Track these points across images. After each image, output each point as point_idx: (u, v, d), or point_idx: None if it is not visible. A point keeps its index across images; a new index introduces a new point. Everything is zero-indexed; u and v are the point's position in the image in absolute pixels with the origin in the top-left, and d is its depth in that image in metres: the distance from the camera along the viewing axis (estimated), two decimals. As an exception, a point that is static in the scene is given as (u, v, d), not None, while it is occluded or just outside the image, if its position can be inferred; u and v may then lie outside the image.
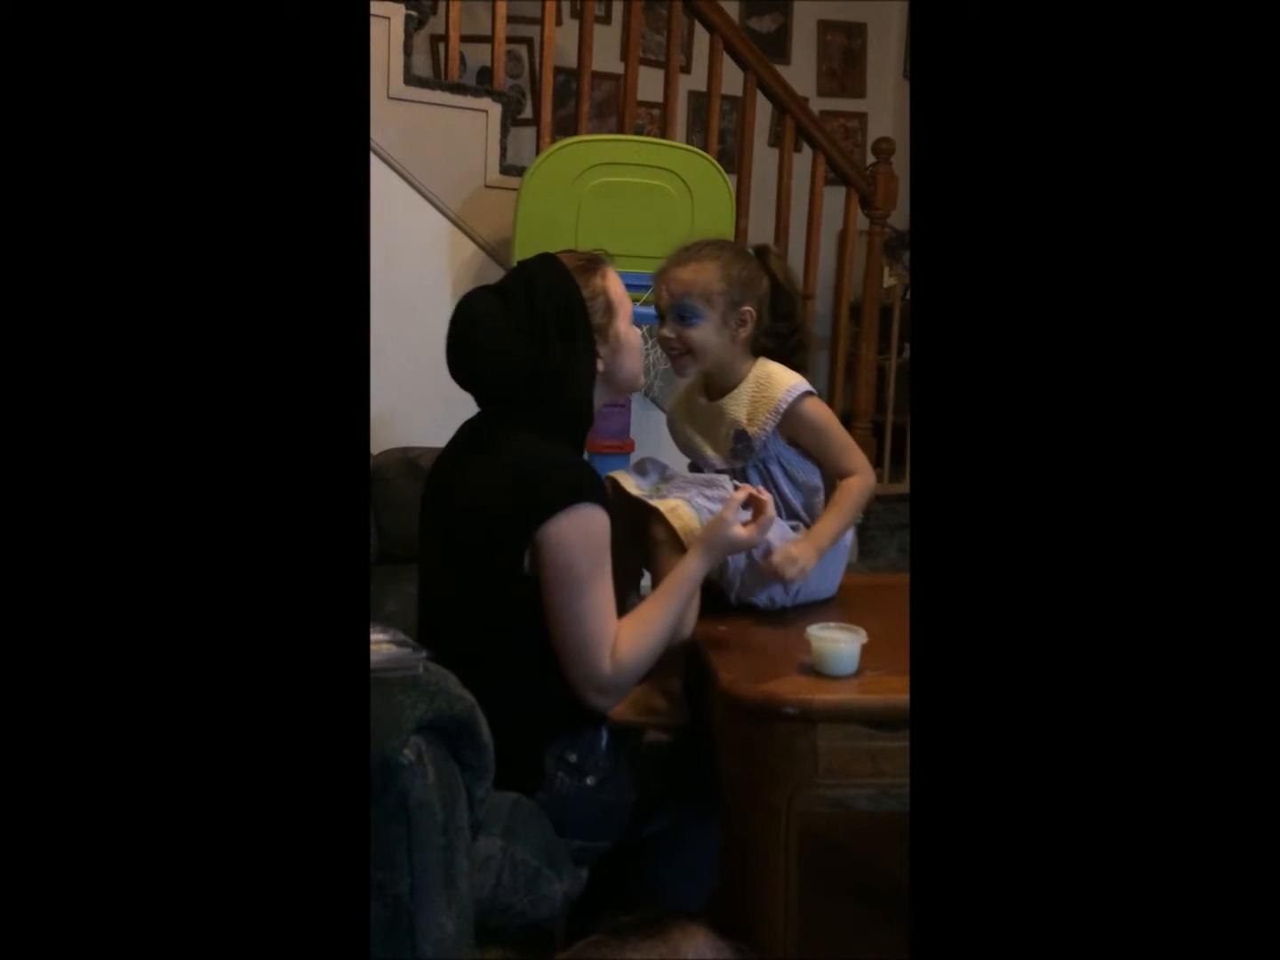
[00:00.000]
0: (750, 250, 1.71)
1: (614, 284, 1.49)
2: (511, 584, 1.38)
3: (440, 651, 1.21)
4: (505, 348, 1.40)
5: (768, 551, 1.55)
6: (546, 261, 1.49)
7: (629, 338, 1.51)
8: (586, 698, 1.41)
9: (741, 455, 1.66)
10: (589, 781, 1.42)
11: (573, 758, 1.43)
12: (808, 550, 1.58)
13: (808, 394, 1.63)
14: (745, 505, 1.47)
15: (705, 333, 1.62)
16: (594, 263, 1.50)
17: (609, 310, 1.47)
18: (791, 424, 1.63)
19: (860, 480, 1.66)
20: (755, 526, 1.46)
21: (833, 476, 1.68)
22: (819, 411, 1.65)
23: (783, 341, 1.69)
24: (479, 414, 1.53)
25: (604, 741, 1.46)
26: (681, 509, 1.56)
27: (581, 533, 1.36)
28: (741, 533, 1.45)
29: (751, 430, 1.64)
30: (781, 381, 1.63)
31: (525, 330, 1.41)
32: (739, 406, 1.65)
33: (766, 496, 1.48)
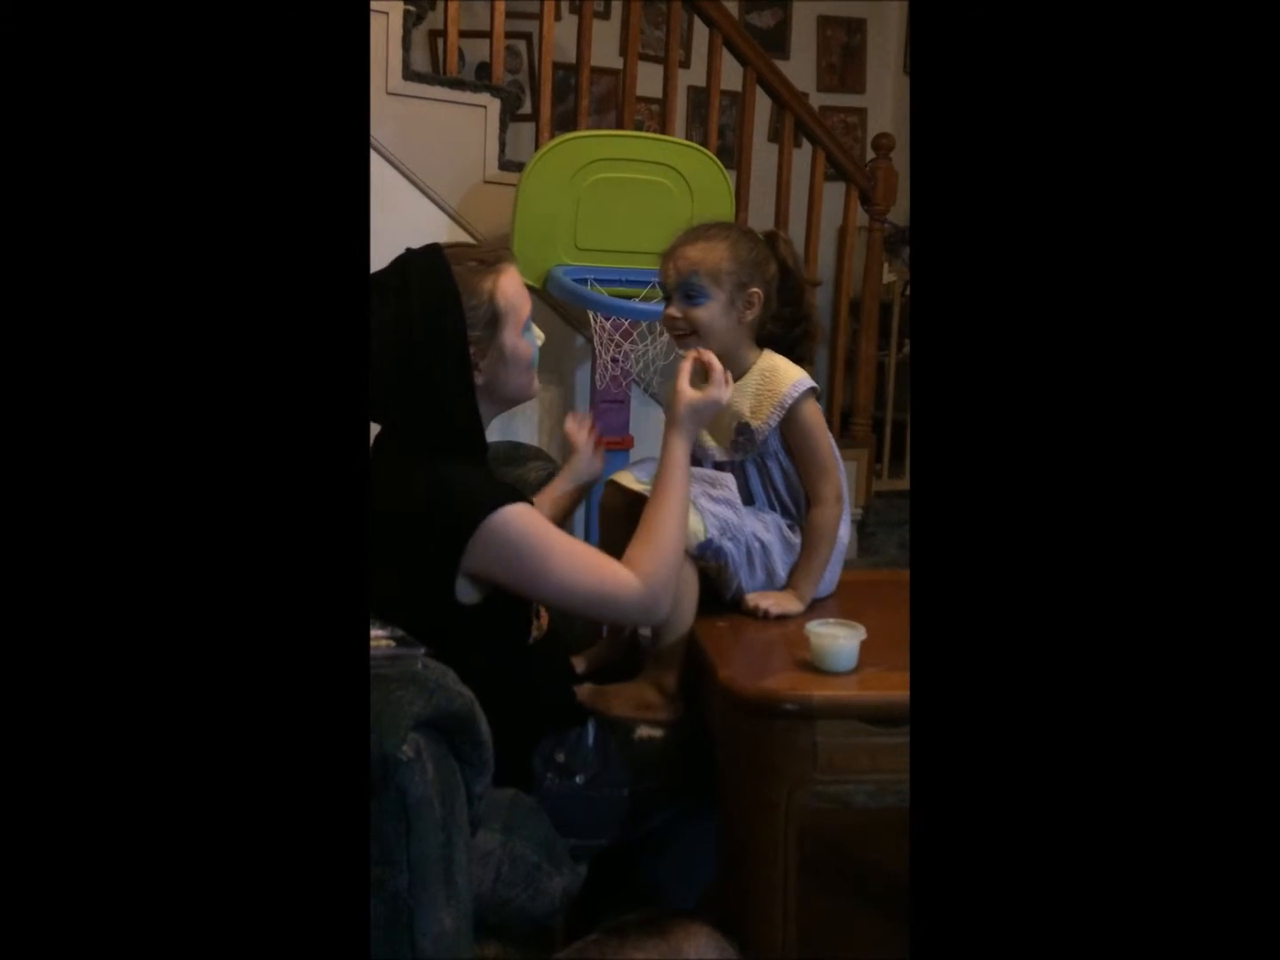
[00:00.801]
0: (760, 234, 1.68)
1: (507, 289, 1.38)
2: (451, 619, 1.35)
3: None
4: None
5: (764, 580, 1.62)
6: (429, 256, 1.37)
7: (515, 351, 1.40)
8: (646, 622, 1.48)
9: (743, 448, 1.64)
10: (578, 779, 1.42)
11: (560, 757, 1.43)
12: (789, 599, 1.61)
13: (811, 391, 1.61)
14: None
15: (712, 312, 1.59)
16: (487, 264, 1.39)
17: (494, 321, 1.37)
18: (788, 421, 1.61)
19: (827, 515, 1.62)
20: (712, 385, 1.48)
21: (805, 491, 1.64)
22: (814, 417, 1.62)
23: (789, 329, 1.66)
24: (378, 435, 1.42)
25: (591, 737, 1.45)
26: None
27: (502, 541, 1.31)
28: (698, 395, 1.47)
29: (755, 424, 1.61)
30: (787, 376, 1.61)
31: (390, 329, 1.31)
32: (743, 398, 1.62)
33: (709, 354, 1.51)
